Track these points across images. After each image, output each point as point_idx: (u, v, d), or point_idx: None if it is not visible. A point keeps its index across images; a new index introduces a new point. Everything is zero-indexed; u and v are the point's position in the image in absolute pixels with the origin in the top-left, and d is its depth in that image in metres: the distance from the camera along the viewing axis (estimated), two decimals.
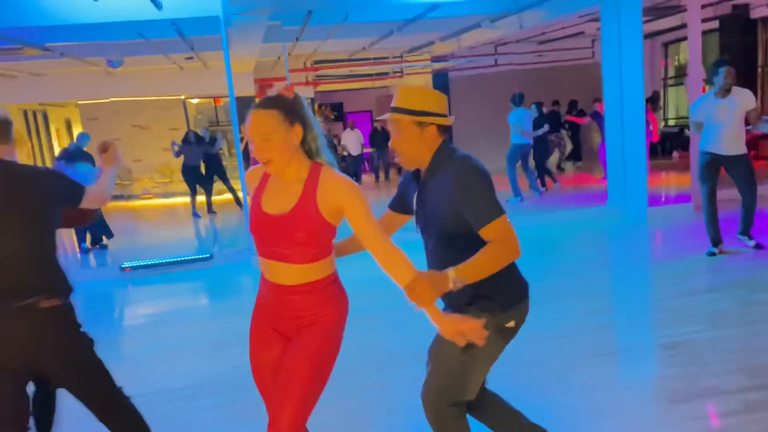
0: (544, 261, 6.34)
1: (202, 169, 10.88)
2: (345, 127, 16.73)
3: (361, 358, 3.93)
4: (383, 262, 2.07)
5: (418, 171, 2.31)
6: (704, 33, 12.00)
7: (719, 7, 12.19)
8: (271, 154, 2.03)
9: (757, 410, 2.99)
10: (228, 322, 5.33)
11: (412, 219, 2.42)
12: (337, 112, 18.74)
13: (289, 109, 2.05)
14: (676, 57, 15.23)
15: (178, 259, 7.40)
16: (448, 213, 2.14)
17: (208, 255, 7.39)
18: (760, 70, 12.80)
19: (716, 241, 5.70)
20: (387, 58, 15.14)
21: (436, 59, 15.22)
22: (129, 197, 14.75)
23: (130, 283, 6.95)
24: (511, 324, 2.23)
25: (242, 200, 8.12)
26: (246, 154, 13.14)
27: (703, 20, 10.90)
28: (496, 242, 2.05)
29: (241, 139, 13.19)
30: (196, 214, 10.98)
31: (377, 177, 16.14)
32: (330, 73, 15.60)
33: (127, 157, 14.88)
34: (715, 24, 12.59)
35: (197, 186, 10.94)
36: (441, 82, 15.37)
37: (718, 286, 5.01)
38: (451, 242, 2.19)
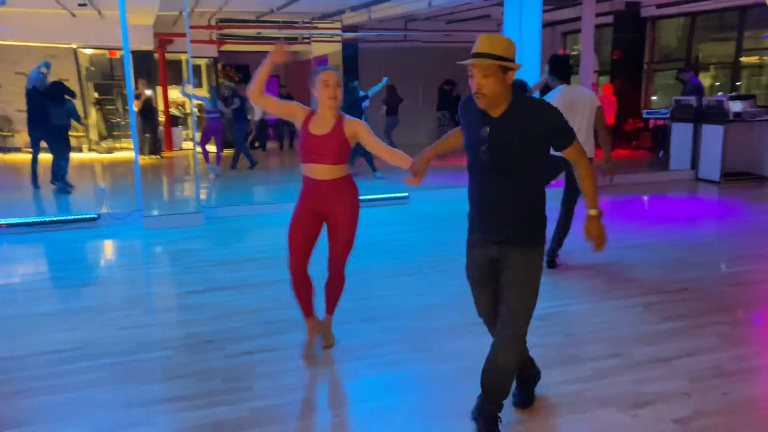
0: (431, 235, 6.58)
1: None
2: None
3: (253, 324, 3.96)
4: (387, 156, 3.31)
5: (485, 111, 2.54)
6: (600, 26, 12.68)
7: (615, 3, 12.89)
8: None
9: (608, 376, 3.32)
10: (112, 285, 5.16)
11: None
12: (242, 74, 18.20)
13: None
14: (575, 47, 16.00)
15: (61, 218, 7.02)
16: (530, 141, 2.51)
17: (94, 216, 7.06)
18: (645, 66, 13.71)
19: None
20: (297, 23, 14.87)
21: (346, 29, 15.12)
22: (9, 150, 13.70)
23: (5, 241, 6.53)
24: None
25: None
26: (141, 112, 12.54)
27: (599, 14, 11.51)
28: (584, 165, 2.63)
29: (137, 96, 12.58)
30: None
31: (281, 145, 15.94)
32: (235, 33, 15.11)
33: (8, 107, 13.75)
34: (610, 19, 13.31)
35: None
36: (350, 52, 15.30)
37: (591, 263, 5.41)
38: (518, 169, 2.55)
